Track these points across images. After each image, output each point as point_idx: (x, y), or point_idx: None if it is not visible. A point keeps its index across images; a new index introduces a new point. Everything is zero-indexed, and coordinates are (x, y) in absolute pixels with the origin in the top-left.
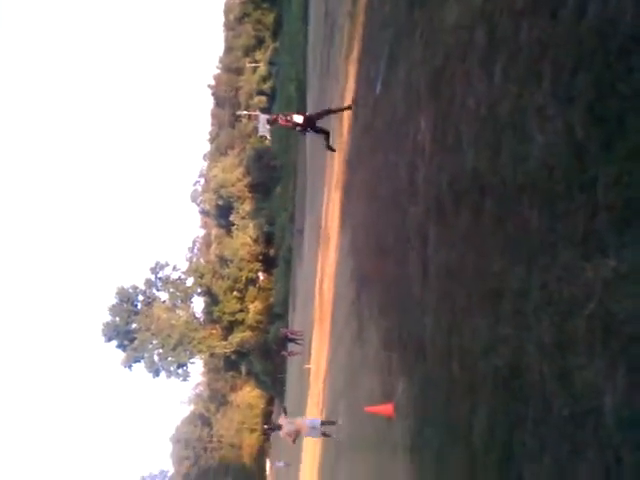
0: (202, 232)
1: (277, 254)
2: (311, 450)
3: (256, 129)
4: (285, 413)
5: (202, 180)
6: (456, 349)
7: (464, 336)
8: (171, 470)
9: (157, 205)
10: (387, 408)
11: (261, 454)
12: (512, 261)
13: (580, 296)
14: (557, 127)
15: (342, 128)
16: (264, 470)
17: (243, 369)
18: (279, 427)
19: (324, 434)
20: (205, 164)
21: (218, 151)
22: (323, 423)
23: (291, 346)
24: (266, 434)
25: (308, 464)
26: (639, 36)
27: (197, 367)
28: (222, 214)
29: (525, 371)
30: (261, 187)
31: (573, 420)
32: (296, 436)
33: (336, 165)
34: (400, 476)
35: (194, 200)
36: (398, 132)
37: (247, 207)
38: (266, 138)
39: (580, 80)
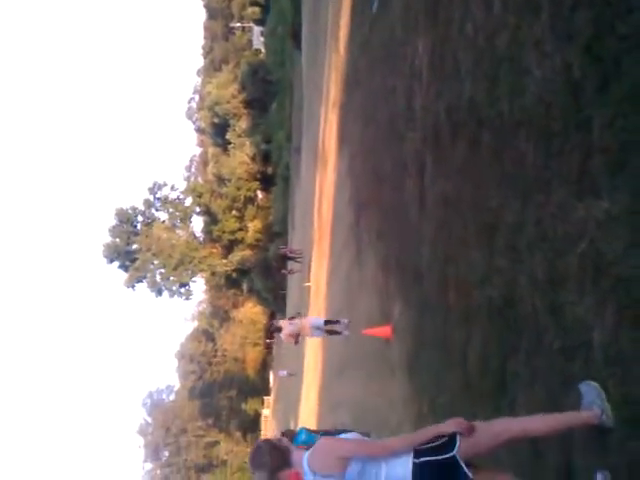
0: (199, 150)
1: (275, 172)
2: (313, 361)
3: (250, 42)
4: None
5: (197, 97)
6: (452, 278)
7: (460, 266)
8: (177, 385)
9: (152, 124)
10: (385, 330)
11: (264, 367)
12: (508, 195)
13: (573, 234)
14: (555, 64)
15: (338, 44)
16: (268, 382)
17: (244, 286)
18: (280, 329)
19: (329, 332)
20: (199, 80)
21: (212, 66)
22: (327, 322)
23: (291, 264)
24: (269, 339)
25: (310, 375)
26: None
27: (199, 285)
28: (218, 132)
29: (518, 303)
30: (257, 103)
31: (564, 353)
32: (298, 337)
33: (333, 83)
34: (399, 394)
35: (189, 117)
36: (396, 55)
37: (243, 124)
38: (261, 51)
39: (579, 17)
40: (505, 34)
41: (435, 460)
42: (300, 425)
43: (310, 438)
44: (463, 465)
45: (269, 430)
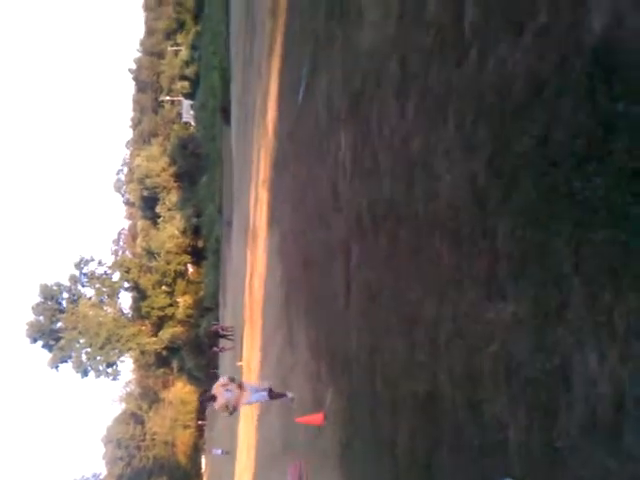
0: (127, 223)
1: (205, 246)
2: (246, 440)
3: (180, 115)
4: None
5: (125, 169)
6: (379, 367)
7: (385, 356)
8: (104, 472)
9: (79, 196)
10: (317, 418)
11: (196, 450)
12: (426, 291)
13: (485, 334)
14: (462, 171)
15: (267, 126)
16: (200, 467)
17: (175, 365)
18: (213, 398)
19: (272, 395)
20: (128, 152)
21: (141, 138)
22: (270, 392)
23: (222, 342)
24: (202, 408)
25: (244, 457)
26: (528, 101)
27: (127, 365)
28: (147, 205)
29: (440, 398)
30: (187, 176)
31: (482, 449)
32: (234, 407)
33: (262, 162)
34: None
35: (118, 190)
36: (321, 145)
37: (173, 198)
38: (190, 124)
39: (480, 132)
40: (418, 139)
41: None
42: None
43: None
44: None
45: None
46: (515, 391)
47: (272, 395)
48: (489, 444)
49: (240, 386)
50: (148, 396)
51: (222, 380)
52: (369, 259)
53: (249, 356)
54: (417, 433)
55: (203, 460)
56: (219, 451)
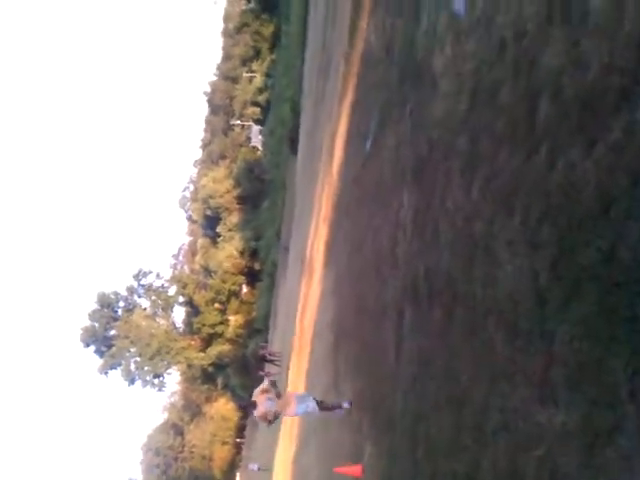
0: (188, 239)
1: (262, 269)
2: (284, 459)
3: (249, 139)
4: (274, 386)
5: (191, 186)
6: (422, 436)
7: (430, 427)
8: (140, 478)
9: (145, 209)
10: (356, 469)
11: (232, 467)
12: (477, 375)
13: (532, 435)
14: (524, 266)
15: (332, 166)
16: None
17: (219, 382)
18: (254, 405)
19: (322, 406)
20: (195, 170)
21: (210, 158)
22: (319, 403)
23: (268, 366)
24: (244, 410)
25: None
26: (597, 214)
27: (173, 376)
28: (209, 224)
29: None
30: (250, 200)
31: None
32: (275, 417)
33: (325, 200)
34: None
35: (182, 206)
36: (384, 198)
37: (234, 219)
38: (258, 149)
39: (545, 231)
40: (480, 223)
41: None
42: None
43: None
44: None
45: None
46: None
47: (322, 406)
48: None
49: (279, 395)
50: (190, 409)
51: (264, 386)
52: (422, 327)
53: (293, 386)
54: None
55: (237, 477)
56: (255, 466)
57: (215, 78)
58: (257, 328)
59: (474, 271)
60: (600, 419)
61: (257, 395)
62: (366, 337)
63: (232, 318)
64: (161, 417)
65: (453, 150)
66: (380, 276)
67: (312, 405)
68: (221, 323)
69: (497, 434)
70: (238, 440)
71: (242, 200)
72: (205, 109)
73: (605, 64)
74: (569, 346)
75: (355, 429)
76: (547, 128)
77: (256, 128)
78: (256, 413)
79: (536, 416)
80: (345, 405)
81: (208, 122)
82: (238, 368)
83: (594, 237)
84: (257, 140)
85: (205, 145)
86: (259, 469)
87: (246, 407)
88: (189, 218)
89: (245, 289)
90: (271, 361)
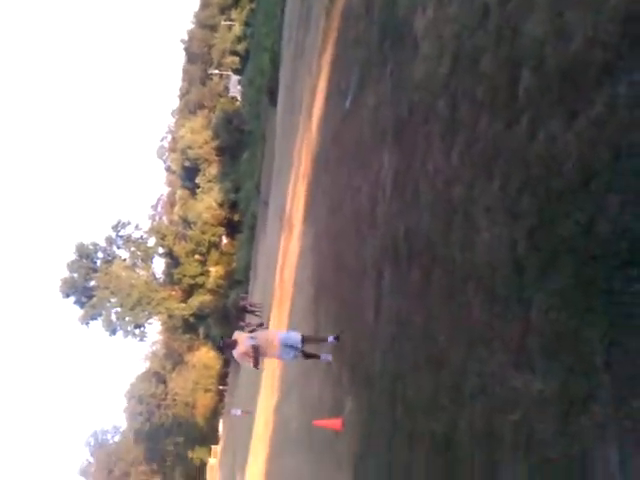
0: (167, 190)
1: (241, 220)
2: (265, 412)
3: (227, 89)
4: (246, 296)
5: (169, 137)
6: (400, 395)
7: (408, 387)
8: (124, 425)
9: (122, 160)
10: (335, 423)
11: (215, 414)
12: (455, 337)
13: (509, 400)
14: (502, 234)
15: (311, 121)
16: (217, 430)
17: (201, 332)
18: (233, 345)
19: (306, 355)
20: (173, 120)
21: (187, 108)
22: (305, 340)
23: (249, 317)
24: (221, 352)
25: (260, 428)
26: (577, 187)
27: (154, 326)
28: (188, 175)
29: (457, 446)
30: (228, 151)
31: None
32: (259, 357)
33: (304, 156)
34: None
35: (160, 157)
36: (364, 158)
37: (213, 170)
38: (237, 99)
39: (525, 201)
40: (460, 187)
41: None
42: None
43: None
44: None
45: None
46: (534, 464)
47: (306, 354)
48: None
49: (269, 333)
50: (172, 357)
51: (241, 333)
52: (401, 287)
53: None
54: (433, 473)
55: (221, 424)
56: (238, 411)
57: (192, 26)
58: (237, 279)
59: (453, 235)
60: (576, 387)
61: (238, 334)
62: (345, 294)
63: (212, 269)
64: (143, 366)
65: (433, 113)
66: (359, 235)
67: (296, 353)
68: (201, 274)
69: (474, 397)
70: (221, 388)
71: (221, 151)
72: (182, 58)
73: (589, 37)
74: (546, 315)
75: (335, 383)
76: (528, 98)
77: (235, 78)
78: (236, 353)
79: (513, 381)
80: (330, 340)
81: (185, 71)
82: (219, 318)
83: (574, 209)
84: (236, 90)
85: (183, 94)
86: (242, 412)
87: (224, 347)
88: (167, 169)
89: (225, 240)
90: (252, 312)
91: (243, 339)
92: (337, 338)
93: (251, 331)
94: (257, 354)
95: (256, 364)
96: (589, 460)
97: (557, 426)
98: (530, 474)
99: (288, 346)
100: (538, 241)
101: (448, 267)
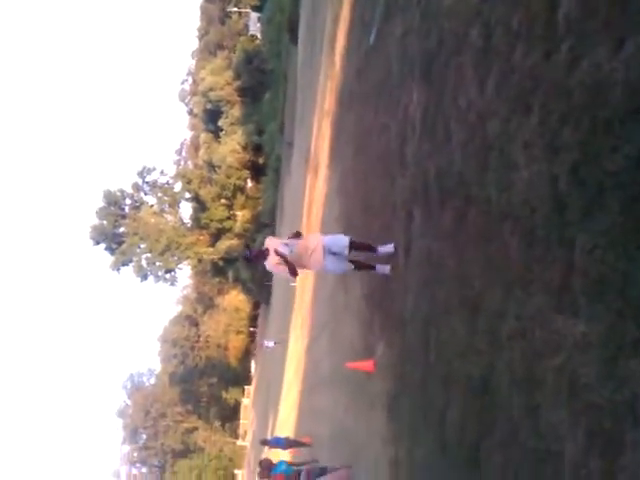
0: (190, 134)
1: (266, 163)
2: (296, 353)
3: (247, 27)
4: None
5: (190, 79)
6: (433, 339)
7: (442, 331)
8: (159, 368)
9: (144, 104)
10: (367, 364)
11: (247, 355)
12: (491, 281)
13: (551, 343)
14: (542, 170)
15: (334, 56)
16: (249, 371)
17: (230, 275)
18: (264, 254)
19: (357, 264)
20: (193, 62)
21: (207, 49)
22: (355, 247)
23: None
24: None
25: (293, 366)
26: (625, 116)
27: (185, 271)
28: (211, 118)
29: (495, 390)
30: (250, 92)
31: (537, 454)
32: (294, 270)
33: (327, 93)
34: (377, 429)
35: (182, 100)
36: (391, 94)
37: (236, 113)
38: (257, 37)
39: (567, 135)
40: (496, 121)
41: None
42: (278, 425)
43: (289, 470)
44: None
45: (248, 419)
46: (577, 410)
47: (358, 264)
48: (543, 451)
49: (308, 238)
50: (203, 301)
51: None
52: (432, 229)
53: (303, 280)
54: (468, 415)
55: (253, 365)
56: (271, 343)
57: None
58: (264, 222)
59: (488, 174)
60: (624, 332)
61: (270, 241)
62: (374, 238)
63: (239, 213)
64: (175, 310)
65: (465, 44)
66: (387, 176)
67: (346, 262)
68: (228, 218)
69: (513, 340)
70: (251, 329)
71: (243, 92)
72: None
73: None
74: (590, 256)
75: (366, 327)
76: (568, 25)
77: (254, 15)
78: (269, 263)
79: (554, 325)
80: (384, 250)
81: (204, 10)
82: (247, 262)
83: (622, 141)
84: (256, 28)
85: (202, 35)
86: (275, 344)
87: (252, 258)
88: (190, 112)
89: (250, 184)
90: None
91: (276, 246)
92: (396, 248)
93: (297, 234)
94: (291, 264)
95: (293, 273)
96: (639, 404)
97: (603, 370)
98: (573, 419)
99: (334, 253)
100: (582, 177)
101: (483, 208)
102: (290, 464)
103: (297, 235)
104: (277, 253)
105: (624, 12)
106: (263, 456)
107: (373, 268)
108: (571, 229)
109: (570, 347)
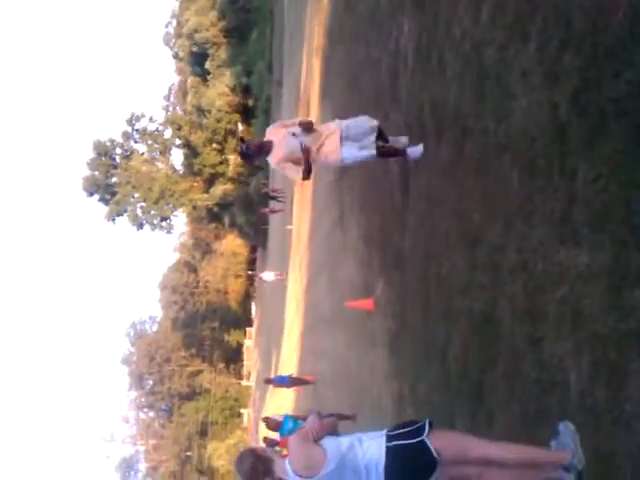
0: (177, 79)
1: (256, 105)
2: (295, 295)
3: None
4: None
5: (174, 22)
6: (433, 275)
7: (442, 267)
8: (160, 315)
9: (127, 50)
10: (367, 303)
11: (247, 298)
12: (490, 214)
13: (553, 275)
14: (541, 99)
15: None
16: (250, 313)
17: (226, 221)
18: (267, 147)
19: (384, 151)
20: (177, 4)
21: None
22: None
23: (273, 203)
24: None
25: (293, 307)
26: (628, 41)
27: (180, 219)
28: (197, 61)
29: (498, 324)
30: (236, 32)
31: (540, 385)
32: (309, 165)
33: (316, 28)
34: (380, 366)
35: (167, 43)
36: (381, 26)
37: (223, 54)
38: None
39: (566, 61)
40: (492, 50)
41: (405, 444)
42: (281, 365)
43: (296, 425)
44: (432, 449)
45: (251, 360)
46: (581, 340)
47: (384, 149)
48: (548, 381)
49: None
50: (201, 247)
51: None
52: (430, 164)
53: (299, 222)
54: (471, 348)
55: (253, 307)
56: (271, 275)
57: None
58: (258, 165)
59: (485, 104)
60: (628, 261)
61: (273, 130)
62: (370, 175)
63: (231, 157)
64: (173, 257)
65: None
66: (381, 111)
67: (371, 150)
68: (221, 163)
69: (515, 273)
70: (250, 273)
71: (229, 33)
72: None
73: None
74: (592, 185)
75: (365, 265)
76: None
77: None
78: (273, 159)
79: (556, 256)
80: (418, 150)
81: None
82: (242, 206)
83: (624, 66)
84: None
85: None
86: (276, 275)
87: (251, 153)
88: (175, 56)
89: (241, 127)
90: (275, 198)
91: (281, 137)
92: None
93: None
94: (308, 156)
95: (308, 171)
96: None
97: (607, 301)
98: (577, 350)
99: (354, 140)
100: (583, 104)
101: (481, 139)
102: (296, 418)
103: (308, 126)
104: (302, 149)
105: None
106: (268, 397)
107: (402, 154)
108: (572, 158)
109: (573, 278)
